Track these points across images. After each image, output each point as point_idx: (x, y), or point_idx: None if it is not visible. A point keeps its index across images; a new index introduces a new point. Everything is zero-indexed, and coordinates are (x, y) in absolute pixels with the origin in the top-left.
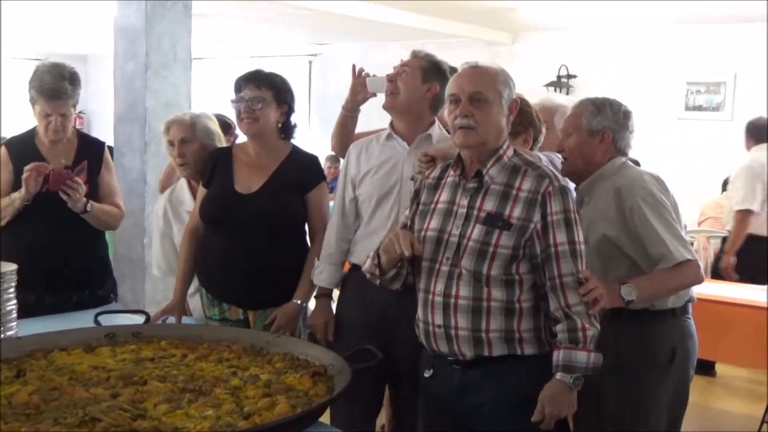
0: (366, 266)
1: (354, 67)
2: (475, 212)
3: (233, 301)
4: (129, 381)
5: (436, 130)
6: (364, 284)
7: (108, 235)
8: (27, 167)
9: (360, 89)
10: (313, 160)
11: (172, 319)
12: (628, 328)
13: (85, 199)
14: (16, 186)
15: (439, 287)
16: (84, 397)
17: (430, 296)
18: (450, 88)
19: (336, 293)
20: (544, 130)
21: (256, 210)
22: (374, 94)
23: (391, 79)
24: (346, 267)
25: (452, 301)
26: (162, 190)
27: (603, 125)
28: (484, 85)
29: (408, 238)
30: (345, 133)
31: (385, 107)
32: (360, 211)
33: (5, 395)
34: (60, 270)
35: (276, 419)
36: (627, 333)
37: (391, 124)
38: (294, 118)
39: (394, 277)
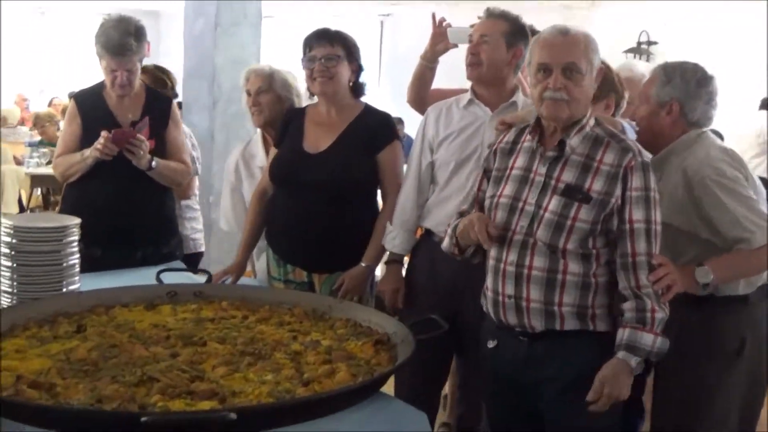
0: (445, 245)
1: (434, 15)
2: (553, 182)
3: (298, 263)
4: (188, 341)
5: (521, 98)
6: (434, 251)
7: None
8: (103, 134)
9: (440, 39)
10: (385, 118)
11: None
12: (690, 315)
13: (149, 156)
14: (84, 139)
15: (512, 257)
16: (143, 356)
17: (502, 265)
18: (539, 56)
19: (405, 258)
20: (626, 95)
21: (323, 170)
22: (455, 45)
23: (474, 51)
24: (418, 233)
25: (525, 271)
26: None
27: (671, 96)
28: (577, 54)
29: (484, 225)
30: (422, 85)
31: (470, 78)
32: (435, 176)
33: (64, 350)
34: (125, 226)
35: (336, 388)
36: (688, 320)
37: (473, 89)
38: (363, 78)
39: (475, 252)
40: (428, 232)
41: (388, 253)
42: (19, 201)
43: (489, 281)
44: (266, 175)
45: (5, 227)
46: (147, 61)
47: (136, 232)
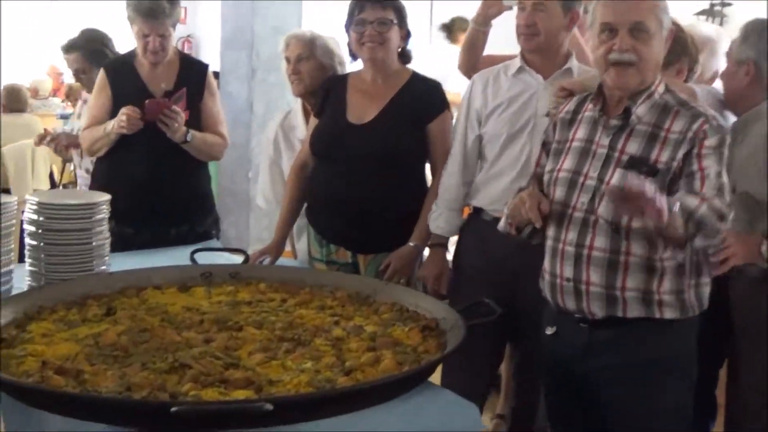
0: (500, 225)
1: None
2: (617, 154)
3: (341, 243)
4: (223, 326)
5: (575, 64)
6: (485, 231)
7: (212, 167)
8: (123, 110)
9: (493, 1)
10: (435, 87)
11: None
12: (754, 290)
13: (184, 129)
14: (113, 111)
15: (571, 236)
16: (175, 341)
17: (560, 245)
18: (603, 14)
19: (452, 238)
20: (701, 59)
21: (368, 142)
22: (510, 7)
23: (528, 21)
24: (465, 212)
25: (585, 252)
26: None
27: (747, 56)
28: (646, 13)
29: (535, 203)
30: (474, 50)
31: (526, 50)
32: (484, 151)
33: (93, 334)
34: (159, 203)
35: (380, 377)
36: (751, 295)
37: (523, 55)
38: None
39: (533, 232)
40: (477, 211)
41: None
42: (51, 177)
43: (547, 263)
44: (306, 148)
45: (31, 204)
46: (182, 30)
47: (170, 209)
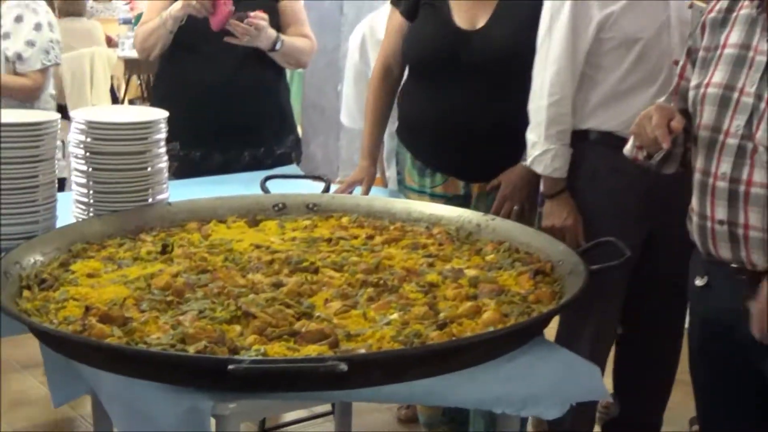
0: (626, 149)
1: None
2: None
3: (453, 172)
4: (297, 267)
5: None
6: (610, 158)
7: (293, 78)
8: None
9: None
10: None
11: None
12: None
13: (274, 33)
14: None
15: (724, 168)
16: (239, 285)
17: (710, 180)
18: None
19: None
20: None
21: (485, 50)
22: None
23: None
24: None
25: (741, 188)
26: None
27: None
28: None
29: (664, 119)
30: None
31: None
32: (602, 62)
33: (145, 275)
34: (232, 121)
35: (481, 332)
36: None
37: None
38: None
39: (665, 159)
40: (601, 136)
41: (541, 180)
42: (112, 91)
43: (695, 201)
44: (390, 51)
45: (78, 124)
46: None
47: (245, 128)
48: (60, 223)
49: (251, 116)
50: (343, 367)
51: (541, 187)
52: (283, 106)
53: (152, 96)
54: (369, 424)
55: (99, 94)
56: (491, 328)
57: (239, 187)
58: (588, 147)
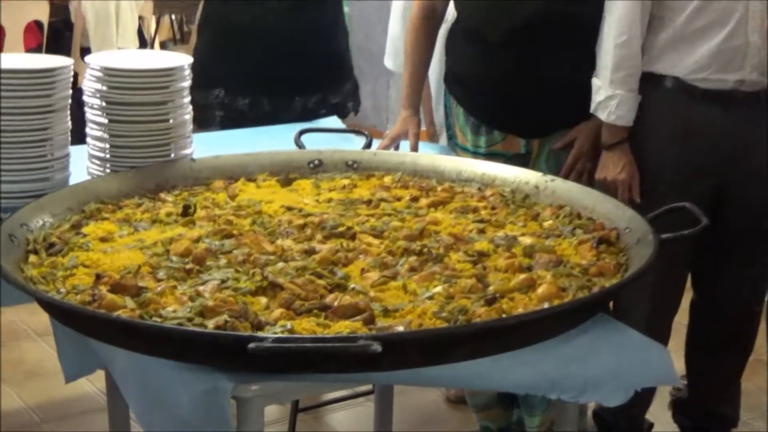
0: None
1: None
2: None
3: (511, 128)
4: (332, 232)
5: None
6: (676, 104)
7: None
8: None
9: None
10: None
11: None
12: None
13: None
14: None
15: None
16: (267, 252)
17: None
18: None
19: None
20: None
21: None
22: None
23: None
24: None
25: None
26: None
27: None
28: None
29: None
30: None
31: None
32: (670, 1)
33: (163, 240)
34: (282, 66)
35: (535, 309)
36: None
37: None
38: None
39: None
40: (666, 80)
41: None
42: (140, 32)
43: None
44: None
45: (93, 70)
46: None
47: (297, 73)
48: (73, 180)
49: (305, 61)
50: (377, 347)
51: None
52: (341, 51)
53: (198, 36)
54: (413, 404)
55: (126, 36)
56: (547, 304)
57: (277, 139)
58: (652, 92)
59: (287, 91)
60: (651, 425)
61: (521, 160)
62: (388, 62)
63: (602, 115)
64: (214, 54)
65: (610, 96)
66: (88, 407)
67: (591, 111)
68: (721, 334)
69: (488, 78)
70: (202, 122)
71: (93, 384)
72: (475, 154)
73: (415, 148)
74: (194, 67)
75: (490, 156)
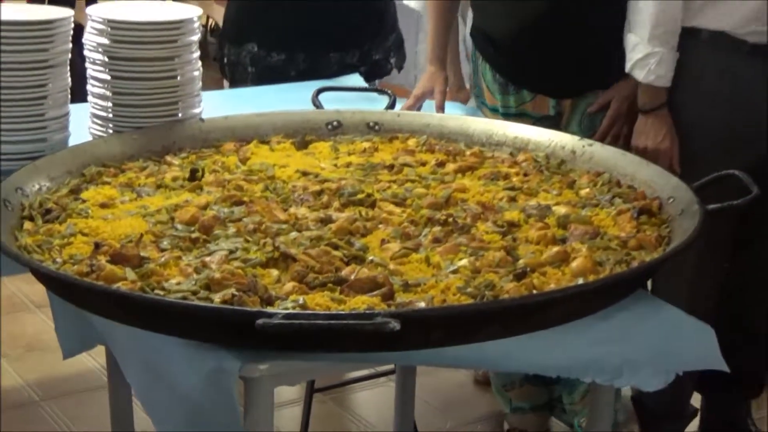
0: None
1: None
2: None
3: (540, 87)
4: (350, 200)
5: None
6: (720, 62)
7: None
8: None
9: None
10: None
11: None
12: None
13: None
14: None
15: None
16: (279, 220)
17: None
18: None
19: None
20: None
21: None
22: None
23: None
24: None
25: None
26: None
27: None
28: None
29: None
30: None
31: None
32: None
33: (167, 207)
34: (320, 18)
35: (568, 285)
36: None
37: None
38: None
39: None
40: (710, 35)
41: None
42: None
43: None
44: None
45: (95, 22)
46: None
47: (336, 26)
48: (72, 141)
49: (343, 13)
50: (396, 325)
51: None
52: (383, 1)
53: None
54: (439, 384)
55: None
56: (581, 280)
57: (299, 97)
58: (694, 48)
59: (324, 45)
60: (695, 411)
61: (550, 122)
62: (415, 3)
63: (639, 75)
64: (246, 7)
65: (648, 54)
66: (90, 384)
67: (627, 70)
68: (755, 311)
69: (516, 33)
70: (234, 79)
71: (96, 359)
72: (505, 116)
73: (441, 108)
74: (226, 21)
75: (521, 117)
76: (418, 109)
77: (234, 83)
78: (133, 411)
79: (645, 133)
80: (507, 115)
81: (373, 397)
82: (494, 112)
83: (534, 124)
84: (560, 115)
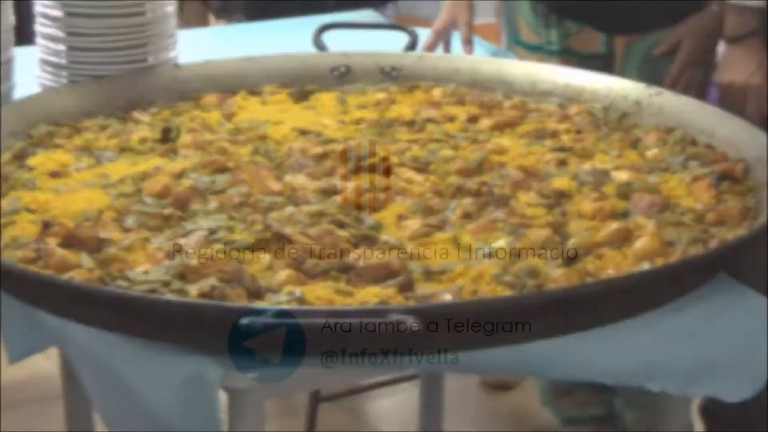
0: None
1: None
2: None
3: (587, 19)
4: (360, 165)
5: None
6: None
7: None
8: None
9: None
10: None
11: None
12: None
13: None
14: None
15: None
16: (272, 191)
17: None
18: None
19: None
20: None
21: None
22: None
23: None
24: None
25: None
26: None
27: None
28: None
29: None
30: None
31: None
32: None
33: (133, 176)
34: None
35: (631, 271)
36: None
37: None
38: None
39: None
40: None
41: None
42: None
43: None
44: None
45: None
46: None
47: None
48: (17, 94)
49: None
50: (414, 324)
51: None
52: None
53: None
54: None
55: None
56: (647, 264)
57: (297, 38)
58: None
59: None
60: None
61: (600, 62)
62: None
63: None
64: None
65: None
66: (45, 392)
67: None
68: None
69: None
70: (222, 12)
71: (52, 363)
72: (549, 54)
73: (468, 41)
74: None
75: (566, 55)
76: (445, 49)
77: (221, 18)
78: (94, 426)
79: (734, 66)
80: (551, 53)
81: (393, 406)
82: (532, 50)
83: (581, 64)
84: (612, 56)
